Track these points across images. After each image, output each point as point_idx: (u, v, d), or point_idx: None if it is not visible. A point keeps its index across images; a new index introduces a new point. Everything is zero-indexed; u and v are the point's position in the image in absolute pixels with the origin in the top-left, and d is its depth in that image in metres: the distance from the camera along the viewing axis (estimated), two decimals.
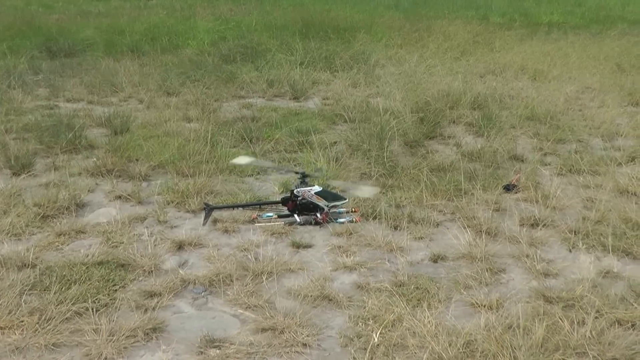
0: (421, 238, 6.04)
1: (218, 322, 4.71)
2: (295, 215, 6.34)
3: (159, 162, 7.68)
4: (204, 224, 6.22)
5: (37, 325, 4.48)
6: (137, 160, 7.80)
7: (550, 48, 15.13)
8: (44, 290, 4.92)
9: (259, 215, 6.39)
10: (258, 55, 14.00)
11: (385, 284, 5.15)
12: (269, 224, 6.25)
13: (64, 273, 5.16)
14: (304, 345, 4.40)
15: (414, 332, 4.41)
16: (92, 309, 4.68)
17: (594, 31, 17.68)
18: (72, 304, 4.70)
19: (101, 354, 4.25)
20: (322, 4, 21.89)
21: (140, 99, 10.99)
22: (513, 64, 13.35)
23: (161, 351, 4.35)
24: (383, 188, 7.10)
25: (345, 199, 6.48)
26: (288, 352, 4.34)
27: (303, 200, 6.34)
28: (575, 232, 6.03)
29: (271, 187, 7.21)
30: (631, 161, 8.02)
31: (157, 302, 4.88)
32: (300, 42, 14.48)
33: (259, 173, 7.60)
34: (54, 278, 5.04)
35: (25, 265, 5.32)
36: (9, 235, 5.92)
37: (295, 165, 7.72)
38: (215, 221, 6.29)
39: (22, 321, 4.52)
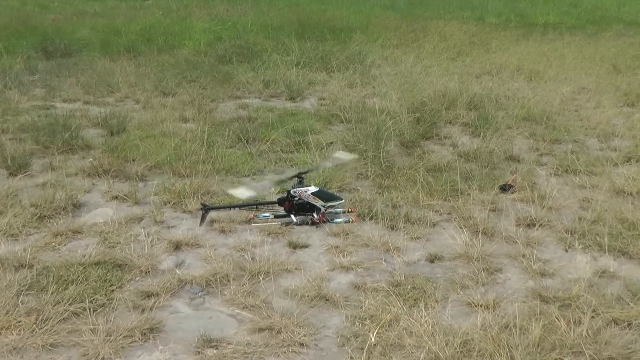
0: (418, 238, 6.05)
1: (215, 322, 4.71)
2: (292, 216, 6.35)
3: (155, 162, 7.68)
4: (200, 225, 6.22)
5: (34, 325, 4.48)
6: (133, 160, 7.80)
7: (546, 49, 15.16)
8: (41, 290, 4.92)
9: (256, 216, 6.40)
10: (254, 55, 14.02)
11: (382, 283, 5.16)
12: (265, 224, 6.26)
13: (61, 273, 5.16)
14: (301, 345, 4.41)
15: (410, 332, 4.42)
16: (90, 309, 4.68)
17: (589, 32, 17.68)
18: (69, 304, 4.70)
19: (98, 354, 4.25)
20: (318, 4, 21.92)
21: (137, 99, 10.99)
22: (509, 65, 13.37)
23: (158, 351, 4.35)
24: (379, 188, 7.12)
25: (341, 199, 6.49)
26: (285, 352, 4.34)
27: (299, 201, 6.35)
28: (571, 232, 6.04)
29: (267, 188, 7.21)
30: (627, 161, 8.03)
31: (154, 302, 4.88)
32: (296, 42, 14.50)
33: (255, 174, 7.60)
34: (51, 278, 5.04)
35: (22, 265, 5.32)
36: (6, 235, 5.92)
37: (290, 166, 7.74)
38: (212, 221, 6.30)
39: (20, 321, 4.52)
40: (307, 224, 6.30)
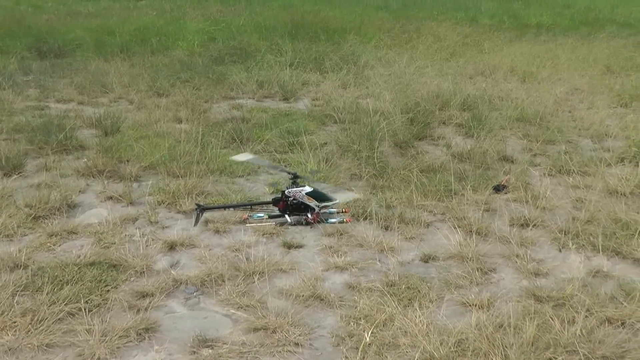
0: (412, 238, 6.06)
1: (210, 322, 4.72)
2: (286, 216, 6.35)
3: (149, 162, 7.68)
4: (195, 225, 6.22)
5: (29, 326, 4.48)
6: (127, 161, 7.80)
7: (539, 50, 15.19)
8: (37, 291, 4.92)
9: (250, 216, 6.41)
10: (248, 56, 14.02)
11: (376, 283, 5.17)
12: (260, 224, 6.27)
13: (56, 274, 5.15)
14: (296, 344, 4.42)
15: (405, 332, 4.44)
16: (85, 310, 4.68)
17: (583, 33, 17.70)
18: (64, 305, 4.70)
19: (94, 354, 4.25)
20: (312, 5, 21.91)
21: (131, 99, 10.99)
22: (502, 66, 13.40)
23: (154, 351, 4.36)
24: (373, 189, 7.13)
25: (335, 200, 6.50)
26: (280, 352, 4.35)
27: (294, 201, 6.36)
28: (565, 232, 6.07)
29: (262, 188, 7.22)
30: (620, 162, 8.07)
31: (150, 303, 4.88)
32: (290, 43, 14.53)
33: (249, 174, 7.61)
34: (46, 279, 5.04)
35: (17, 266, 5.32)
36: (1, 236, 5.91)
37: (286, 166, 7.75)
38: (206, 222, 6.30)
39: (15, 322, 4.52)
40: (301, 224, 6.31)
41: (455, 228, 6.12)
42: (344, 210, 6.54)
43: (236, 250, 5.74)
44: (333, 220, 6.37)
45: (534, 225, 6.24)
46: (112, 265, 5.39)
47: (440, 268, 5.51)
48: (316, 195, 6.39)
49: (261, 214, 6.43)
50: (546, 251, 5.83)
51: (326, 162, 7.74)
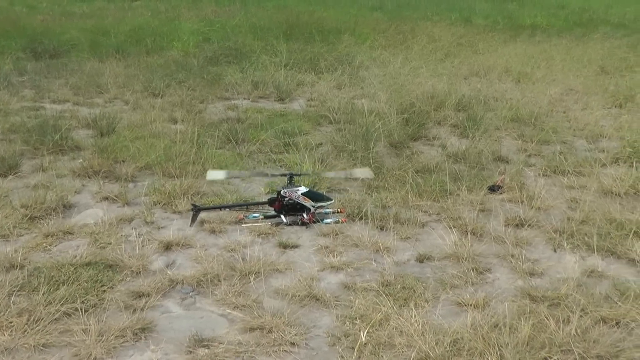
0: (407, 238, 6.07)
1: (206, 321, 4.72)
2: (282, 216, 6.37)
3: (145, 163, 7.68)
4: (191, 225, 6.23)
5: (26, 326, 4.48)
6: (123, 161, 7.81)
7: (534, 50, 15.23)
8: (33, 291, 4.92)
9: (246, 216, 6.41)
10: (243, 56, 14.03)
11: (372, 283, 5.18)
12: (255, 224, 6.28)
13: (53, 274, 5.15)
14: (292, 344, 4.43)
15: (401, 331, 4.45)
16: (81, 310, 4.68)
17: (577, 34, 17.73)
18: (61, 305, 4.70)
19: (90, 354, 4.25)
20: (306, 5, 21.92)
21: (126, 100, 10.99)
22: (497, 66, 13.43)
23: (150, 351, 4.36)
24: (369, 189, 7.14)
25: (331, 200, 6.52)
26: (276, 351, 4.36)
27: (290, 201, 6.37)
28: (560, 232, 6.09)
29: (257, 188, 7.23)
30: (615, 162, 8.10)
31: (146, 303, 4.88)
32: (285, 43, 14.55)
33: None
34: (43, 279, 5.03)
35: (13, 266, 5.32)
36: None
37: (280, 167, 7.77)
38: (202, 222, 6.31)
39: (11, 322, 4.52)
40: (297, 224, 6.33)
41: (450, 228, 6.14)
42: (339, 210, 6.55)
43: (232, 250, 5.75)
44: (328, 220, 6.38)
45: (529, 225, 6.26)
46: (108, 266, 5.39)
47: (436, 268, 5.52)
48: (312, 195, 6.41)
49: (257, 214, 6.44)
50: (541, 251, 5.85)
51: (321, 163, 7.75)
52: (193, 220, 6.26)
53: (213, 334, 4.54)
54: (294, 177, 6.57)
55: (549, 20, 20.40)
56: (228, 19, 18.80)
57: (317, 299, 4.98)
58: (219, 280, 5.19)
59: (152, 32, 16.39)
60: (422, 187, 7.00)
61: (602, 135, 9.13)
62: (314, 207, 6.36)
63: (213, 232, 6.15)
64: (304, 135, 8.80)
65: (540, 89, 11.60)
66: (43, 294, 4.81)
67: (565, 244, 5.88)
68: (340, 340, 4.46)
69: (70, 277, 5.11)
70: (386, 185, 7.18)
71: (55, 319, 4.58)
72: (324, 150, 8.29)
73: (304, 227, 6.29)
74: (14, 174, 7.39)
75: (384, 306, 4.75)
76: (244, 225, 6.27)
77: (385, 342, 4.37)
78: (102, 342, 4.35)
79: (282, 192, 6.40)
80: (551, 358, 4.17)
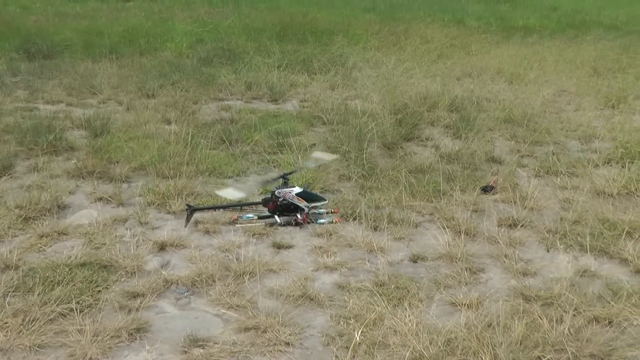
0: (401, 238, 6.10)
1: (201, 321, 4.74)
2: (276, 216, 6.38)
3: (139, 163, 7.68)
4: (185, 225, 6.24)
5: (21, 326, 4.49)
6: (117, 162, 7.80)
7: (526, 52, 15.25)
8: (28, 291, 4.93)
9: (240, 217, 6.43)
10: (236, 57, 14.02)
11: (366, 283, 5.21)
12: (249, 224, 6.29)
13: (47, 274, 5.16)
14: (287, 344, 4.45)
15: (395, 331, 4.47)
16: (76, 310, 4.70)
17: (570, 35, 17.76)
18: (56, 305, 4.71)
19: (86, 355, 4.27)
20: (299, 6, 21.91)
21: (120, 100, 10.98)
22: (490, 67, 13.45)
23: (145, 351, 4.38)
24: (362, 189, 7.16)
25: (325, 200, 6.55)
26: (271, 351, 4.38)
27: (284, 201, 6.39)
28: (553, 232, 6.13)
29: (252, 189, 7.24)
30: (607, 163, 8.13)
31: (141, 303, 4.90)
32: (278, 44, 14.57)
33: (238, 175, 7.63)
34: (38, 279, 5.05)
35: (8, 267, 5.33)
36: None
37: (274, 167, 7.79)
38: (196, 222, 6.32)
39: (6, 323, 4.53)
40: (291, 224, 6.34)
41: (443, 228, 6.16)
42: (333, 210, 6.57)
43: (226, 250, 5.77)
44: (322, 220, 6.40)
45: (522, 225, 6.29)
46: (102, 266, 5.41)
47: (429, 268, 5.55)
48: (306, 195, 6.43)
49: (251, 215, 6.46)
50: (534, 251, 5.88)
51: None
52: (187, 220, 6.27)
53: (208, 334, 4.56)
54: (288, 177, 6.58)
55: (542, 21, 20.41)
56: (221, 20, 18.78)
57: (312, 299, 5.00)
58: (214, 281, 5.21)
59: (145, 33, 16.36)
60: (416, 188, 7.02)
61: (594, 136, 9.16)
62: (308, 207, 6.38)
63: (207, 232, 6.16)
64: (297, 136, 8.81)
65: (533, 90, 11.64)
66: (38, 295, 4.82)
67: (558, 244, 5.91)
68: (335, 340, 4.48)
69: (65, 277, 5.13)
70: (380, 186, 7.20)
71: (50, 320, 4.60)
72: (314, 149, 8.29)
73: (298, 228, 6.31)
74: (8, 174, 7.38)
75: (378, 306, 4.77)
76: (238, 225, 6.29)
77: (379, 342, 4.39)
78: (97, 342, 4.37)
79: (276, 193, 6.42)
80: (544, 357, 4.20)
